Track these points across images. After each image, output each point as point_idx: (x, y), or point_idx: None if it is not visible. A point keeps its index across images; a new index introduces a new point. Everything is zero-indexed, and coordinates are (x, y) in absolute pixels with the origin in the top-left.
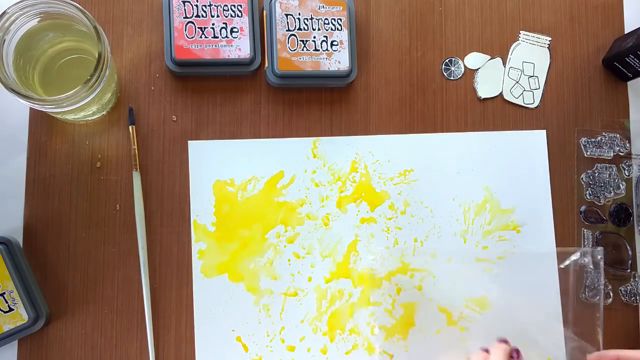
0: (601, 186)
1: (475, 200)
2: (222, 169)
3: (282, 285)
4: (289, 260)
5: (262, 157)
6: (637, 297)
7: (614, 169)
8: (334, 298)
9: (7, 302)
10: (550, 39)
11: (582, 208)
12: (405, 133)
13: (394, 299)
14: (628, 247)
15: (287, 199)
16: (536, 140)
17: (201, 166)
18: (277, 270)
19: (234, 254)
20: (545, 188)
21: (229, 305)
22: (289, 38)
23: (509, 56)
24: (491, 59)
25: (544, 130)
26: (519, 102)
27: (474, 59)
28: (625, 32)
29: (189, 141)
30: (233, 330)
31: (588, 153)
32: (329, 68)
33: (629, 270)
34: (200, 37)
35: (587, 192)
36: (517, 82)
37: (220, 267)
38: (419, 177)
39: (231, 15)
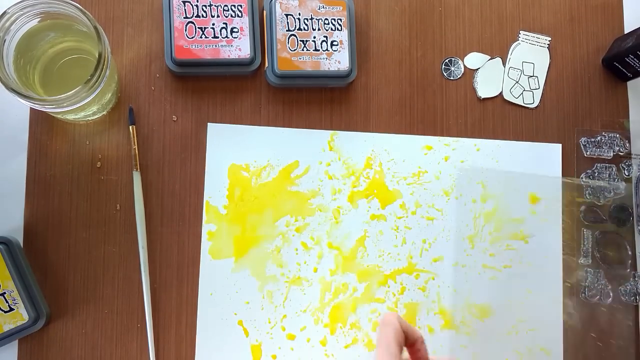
0: (601, 186)
1: (487, 208)
2: (239, 153)
3: (287, 274)
4: (297, 250)
5: (279, 145)
6: (637, 297)
7: (614, 168)
8: (337, 291)
9: (7, 301)
10: (550, 39)
11: (582, 208)
12: (406, 133)
13: (397, 298)
14: (628, 247)
15: (300, 189)
16: (551, 154)
17: (218, 149)
18: (284, 258)
19: (242, 239)
20: (556, 202)
21: (234, 289)
22: (289, 38)
23: (509, 56)
24: (491, 59)
25: (560, 145)
26: (519, 102)
27: (473, 59)
28: (625, 32)
29: (208, 123)
30: (235, 314)
31: (588, 153)
32: (329, 68)
33: (628, 270)
34: (201, 37)
35: (587, 191)
36: (517, 82)
37: (228, 251)
38: (432, 180)
39: (231, 16)
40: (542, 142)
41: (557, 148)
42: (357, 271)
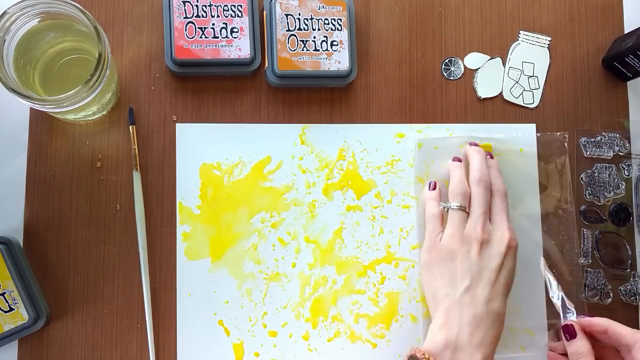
0: (601, 186)
1: None
2: (210, 152)
3: (265, 270)
4: (274, 246)
5: (250, 141)
6: (637, 297)
7: (614, 168)
8: (317, 285)
9: (7, 301)
10: (550, 39)
11: (582, 208)
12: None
13: (377, 288)
14: (628, 247)
15: (273, 185)
16: (526, 134)
17: (188, 149)
18: (261, 255)
19: (218, 238)
20: (533, 186)
21: (212, 289)
22: (289, 38)
23: (509, 56)
24: (491, 59)
25: (534, 124)
26: (519, 102)
27: (473, 59)
28: (625, 32)
29: (177, 124)
30: (215, 314)
31: (588, 153)
32: (329, 68)
33: (628, 270)
34: (201, 37)
35: (587, 192)
36: (517, 82)
37: (204, 251)
38: (405, 168)
39: (231, 15)
40: None
41: (531, 128)
42: (336, 263)
